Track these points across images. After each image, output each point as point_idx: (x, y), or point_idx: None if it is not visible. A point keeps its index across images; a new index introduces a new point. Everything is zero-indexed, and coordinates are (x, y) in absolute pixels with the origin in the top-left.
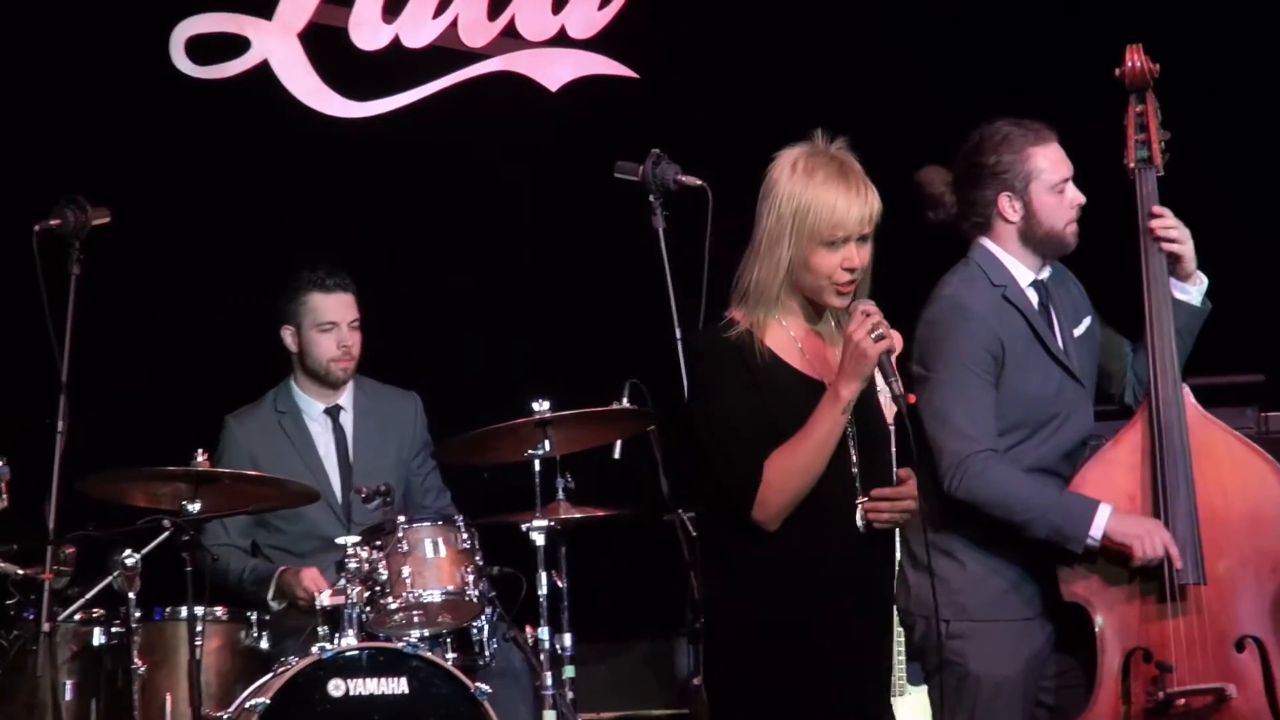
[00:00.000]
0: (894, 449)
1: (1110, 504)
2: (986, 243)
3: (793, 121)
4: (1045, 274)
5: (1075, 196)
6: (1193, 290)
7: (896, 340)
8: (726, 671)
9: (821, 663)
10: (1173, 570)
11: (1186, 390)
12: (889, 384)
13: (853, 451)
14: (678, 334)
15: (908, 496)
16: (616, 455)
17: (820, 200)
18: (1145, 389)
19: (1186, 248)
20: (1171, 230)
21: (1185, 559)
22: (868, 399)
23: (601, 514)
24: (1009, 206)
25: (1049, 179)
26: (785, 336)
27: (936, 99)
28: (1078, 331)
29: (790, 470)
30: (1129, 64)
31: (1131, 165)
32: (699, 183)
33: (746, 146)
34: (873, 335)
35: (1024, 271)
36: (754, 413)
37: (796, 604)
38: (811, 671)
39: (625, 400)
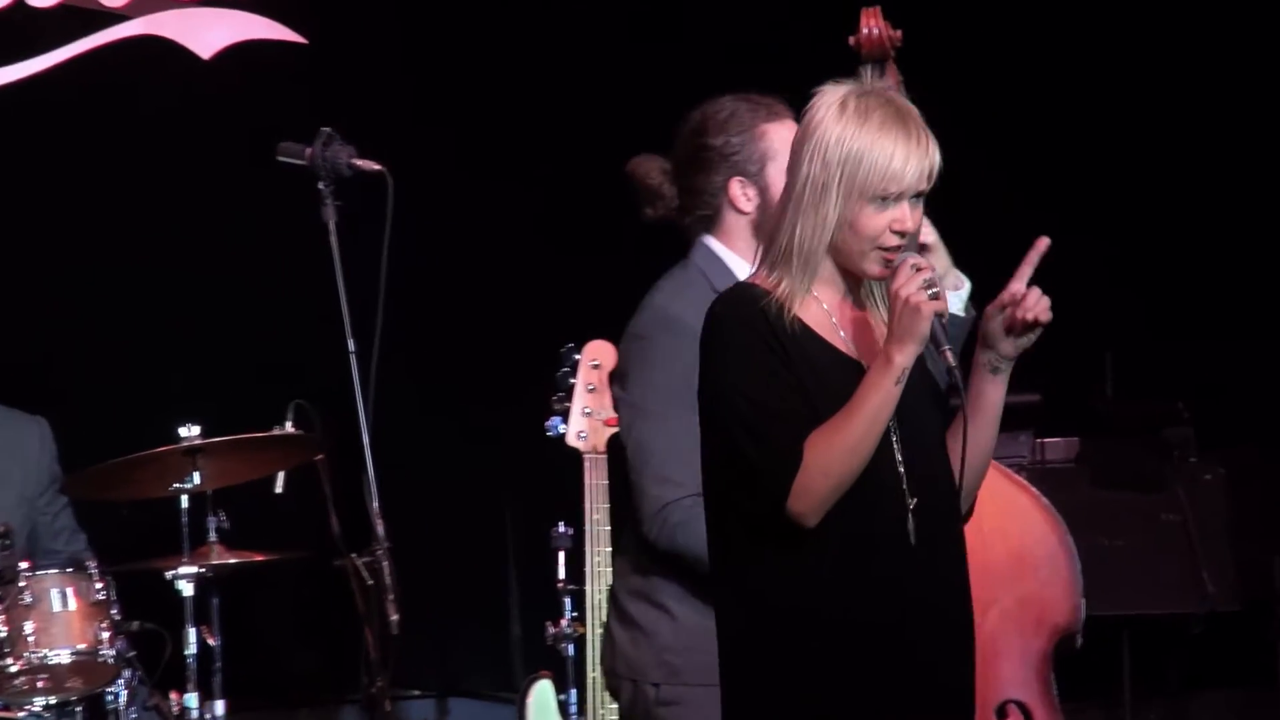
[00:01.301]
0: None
1: None
2: (710, 241)
3: (485, 95)
4: None
5: None
6: (951, 296)
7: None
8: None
9: (873, 703)
10: None
11: None
12: (940, 355)
13: (896, 450)
14: (350, 346)
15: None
16: (279, 489)
17: (875, 148)
18: None
19: (930, 241)
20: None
21: None
22: (916, 388)
23: (261, 559)
24: (741, 194)
25: (786, 161)
26: (819, 309)
27: (648, 79)
28: None
29: (836, 450)
30: (865, 31)
31: None
32: (378, 167)
33: (433, 125)
34: (927, 292)
35: None
36: (788, 390)
37: (838, 635)
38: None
39: (289, 424)
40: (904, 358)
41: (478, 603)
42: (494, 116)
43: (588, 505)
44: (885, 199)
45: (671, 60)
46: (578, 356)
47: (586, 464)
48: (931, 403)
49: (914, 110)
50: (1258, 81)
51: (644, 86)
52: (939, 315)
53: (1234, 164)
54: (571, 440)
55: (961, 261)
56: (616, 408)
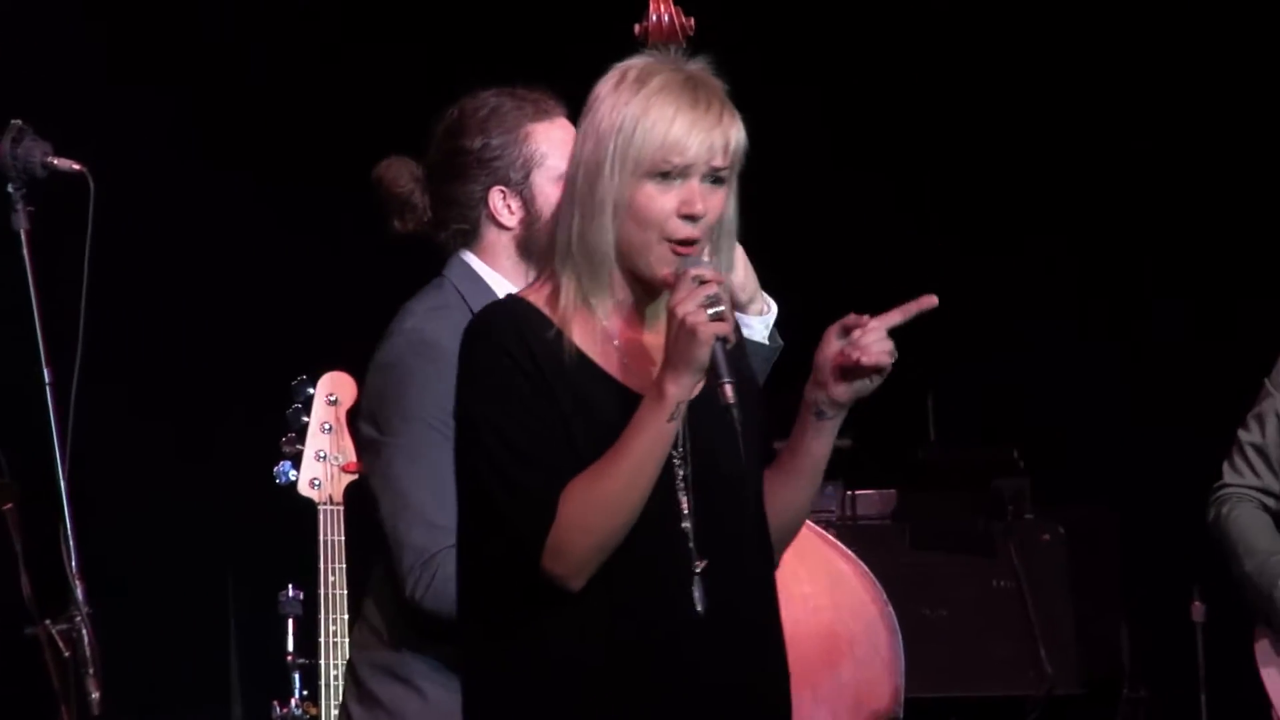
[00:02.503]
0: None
1: None
2: (468, 257)
3: (206, 82)
4: None
5: None
6: (755, 322)
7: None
8: None
9: None
10: None
11: None
12: (719, 389)
13: (684, 500)
14: (46, 376)
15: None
16: None
17: (651, 113)
18: None
19: (734, 274)
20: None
21: None
22: (711, 424)
23: None
24: (502, 206)
25: (556, 166)
26: (598, 330)
27: (409, 69)
28: None
29: (596, 502)
30: (653, 18)
31: None
32: (78, 167)
33: (142, 117)
34: (708, 311)
35: None
36: (548, 428)
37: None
38: None
39: None
40: (679, 389)
41: (194, 678)
42: (216, 106)
43: (323, 565)
44: (668, 174)
45: (437, 48)
46: (311, 391)
47: (322, 516)
48: (750, 443)
49: (712, 81)
50: (1069, 125)
51: (403, 77)
52: (722, 340)
53: (1058, 188)
54: (304, 489)
55: (772, 282)
56: (360, 450)
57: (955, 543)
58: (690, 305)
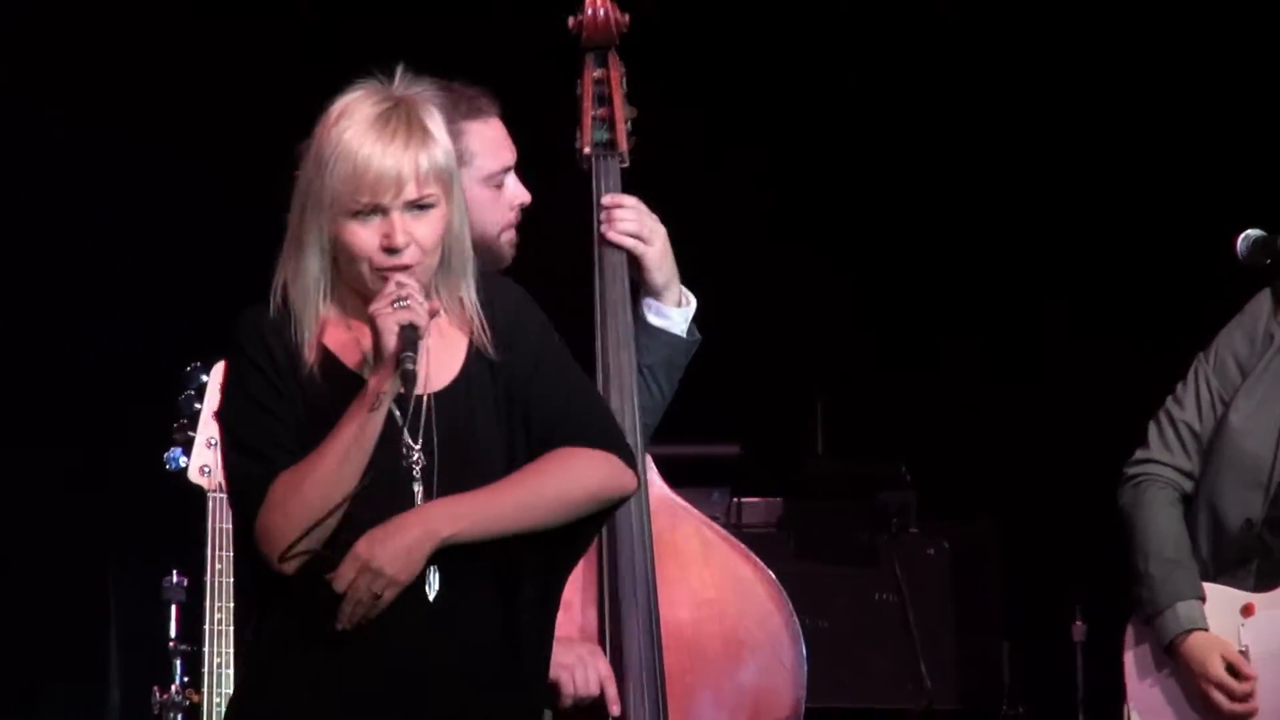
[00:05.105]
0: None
1: None
2: None
3: (100, 52)
4: None
5: (517, 193)
6: (673, 313)
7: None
8: None
9: None
10: (611, 716)
11: (650, 463)
12: (400, 360)
13: (418, 490)
14: None
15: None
16: None
17: (342, 154)
18: None
19: (654, 250)
20: (627, 223)
21: (642, 701)
22: (466, 424)
23: None
24: None
25: (484, 167)
26: (348, 337)
27: (338, 55)
28: None
29: (299, 487)
30: (589, 12)
31: (588, 150)
32: None
33: (37, 90)
34: (395, 304)
35: None
36: (275, 420)
37: (338, 707)
38: None
39: None
40: (376, 381)
41: (71, 662)
42: (110, 77)
43: (210, 552)
44: (362, 212)
45: (362, 34)
46: (205, 378)
47: (210, 503)
48: (499, 435)
49: (412, 111)
50: (976, 125)
51: (326, 61)
52: (410, 326)
53: (960, 200)
54: (194, 475)
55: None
56: None
57: (839, 554)
58: (381, 304)
